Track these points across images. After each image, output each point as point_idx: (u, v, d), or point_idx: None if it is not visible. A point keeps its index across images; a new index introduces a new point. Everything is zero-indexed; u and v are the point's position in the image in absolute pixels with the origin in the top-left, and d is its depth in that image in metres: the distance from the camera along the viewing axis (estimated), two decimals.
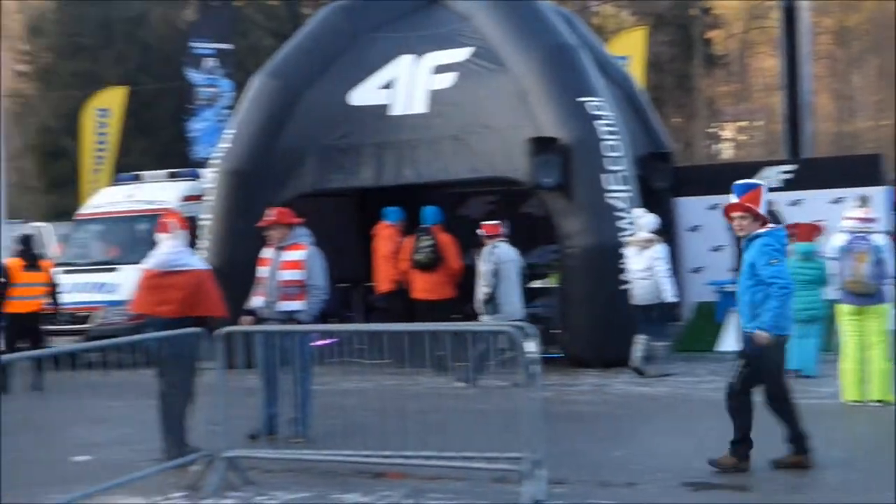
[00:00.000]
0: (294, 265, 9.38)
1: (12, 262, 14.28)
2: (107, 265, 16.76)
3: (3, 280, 14.03)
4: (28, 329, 14.24)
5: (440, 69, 14.23)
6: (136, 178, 18.66)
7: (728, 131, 54.87)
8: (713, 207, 15.51)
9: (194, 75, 27.91)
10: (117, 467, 7.77)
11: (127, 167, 24.21)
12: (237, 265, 13.61)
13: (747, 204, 7.38)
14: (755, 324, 7.30)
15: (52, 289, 14.77)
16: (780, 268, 7.36)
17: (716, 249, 15.88)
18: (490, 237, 12.83)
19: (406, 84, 14.34)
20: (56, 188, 39.73)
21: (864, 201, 12.07)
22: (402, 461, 7.73)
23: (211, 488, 7.56)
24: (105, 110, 25.54)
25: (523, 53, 13.68)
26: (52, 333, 15.35)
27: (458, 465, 7.37)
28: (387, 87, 14.45)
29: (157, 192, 17.83)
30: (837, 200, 15.55)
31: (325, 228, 12.33)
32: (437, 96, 14.16)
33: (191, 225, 15.37)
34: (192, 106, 28.03)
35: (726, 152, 52.55)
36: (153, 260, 8.93)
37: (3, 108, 20.81)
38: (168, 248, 8.90)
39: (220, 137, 18.15)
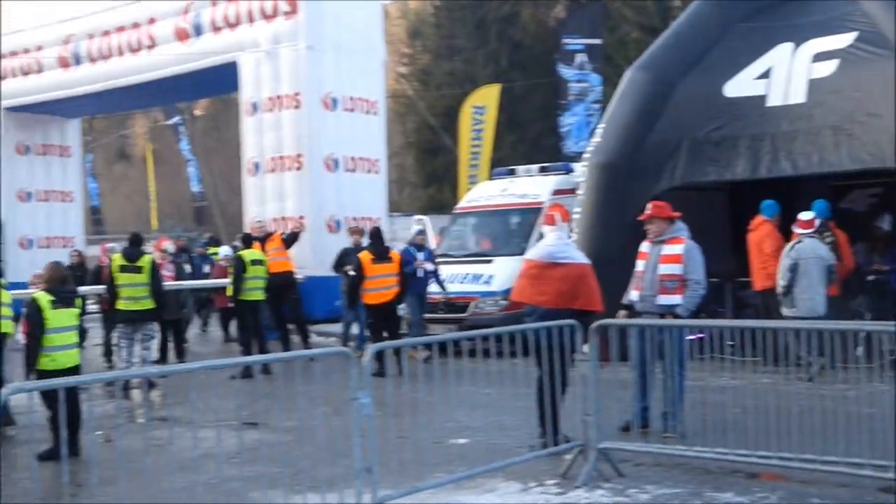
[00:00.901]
0: (673, 259, 9.17)
1: (363, 255, 14.81)
2: (482, 257, 17.24)
3: (356, 273, 14.76)
4: (386, 318, 14.99)
5: (820, 57, 13.43)
6: (511, 173, 19.08)
7: None
8: None
9: (565, 71, 28.22)
10: (494, 452, 7.95)
11: (499, 162, 24.93)
12: (606, 258, 13.40)
13: None
14: None
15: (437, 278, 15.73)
16: None
17: None
18: (803, 232, 12.35)
19: (784, 73, 13.68)
20: (433, 183, 41.71)
21: None
22: (780, 462, 7.39)
23: (583, 478, 7.57)
24: (481, 108, 26.38)
25: None
26: (432, 321, 16.06)
27: (842, 470, 6.96)
28: (764, 77, 13.88)
29: (530, 186, 18.13)
30: None
31: (695, 222, 12.04)
32: (817, 85, 13.35)
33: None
34: (563, 101, 28.35)
35: None
36: (537, 251, 9.07)
37: (387, 108, 21.92)
38: (552, 241, 8.97)
39: (591, 131, 18.21)
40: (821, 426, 7.61)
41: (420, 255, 15.65)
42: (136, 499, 5.75)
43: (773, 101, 13.71)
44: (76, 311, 9.97)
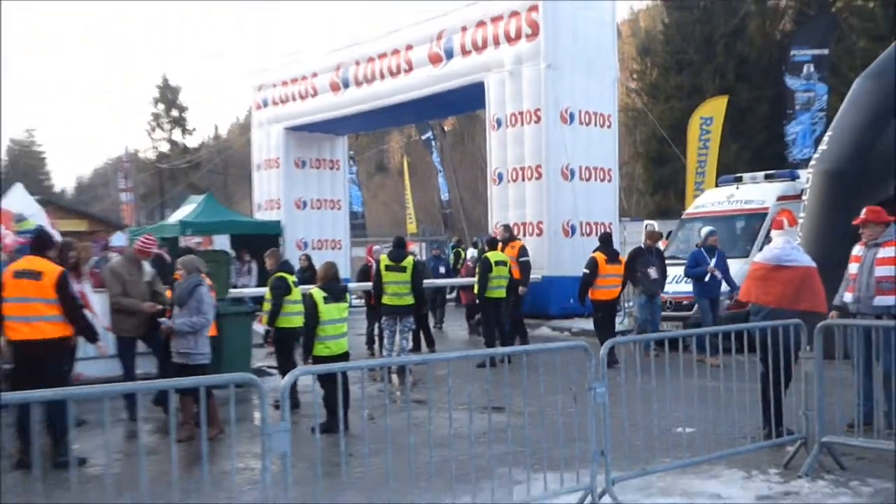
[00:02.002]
0: (888, 261, 8.74)
1: (599, 256, 14.70)
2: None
3: (588, 272, 14.63)
4: (610, 314, 15.02)
5: None
6: (738, 181, 18.61)
7: None
8: None
9: (791, 81, 27.23)
10: (718, 441, 7.83)
11: (724, 169, 24.34)
12: (830, 263, 12.83)
13: None
14: None
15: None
16: None
17: None
18: None
19: None
20: (660, 190, 41.25)
21: None
22: None
23: (805, 469, 7.39)
24: (708, 118, 25.82)
25: None
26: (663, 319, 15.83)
27: None
28: None
29: (755, 192, 17.63)
30: None
31: None
32: None
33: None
34: (789, 111, 27.36)
35: None
36: (764, 254, 8.91)
37: (618, 121, 21.75)
38: (779, 244, 8.78)
39: (816, 139, 17.49)
40: None
41: (710, 260, 14.70)
42: (400, 470, 6.00)
43: None
44: (345, 305, 10.44)
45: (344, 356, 10.22)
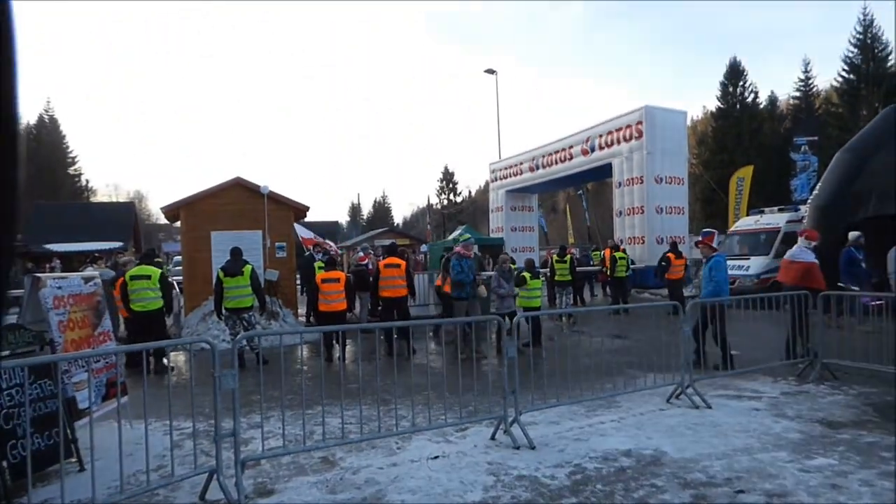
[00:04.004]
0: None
1: (671, 254, 12.98)
2: (743, 256, 15.37)
3: (664, 263, 12.96)
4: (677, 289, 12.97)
5: None
6: (761, 212, 16.84)
7: None
8: None
9: (795, 156, 24.33)
10: (755, 360, 7.07)
11: (753, 206, 22.03)
12: (822, 258, 11.33)
13: None
14: None
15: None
16: None
17: None
18: None
19: None
20: (709, 219, 38.10)
21: None
22: None
23: (812, 378, 6.56)
24: (741, 178, 23.35)
25: None
26: None
27: None
28: None
29: (772, 218, 15.88)
30: None
31: (879, 234, 9.91)
32: None
33: (794, 237, 13.55)
34: (793, 173, 24.52)
35: None
36: (788, 253, 8.01)
37: (688, 181, 19.93)
38: (795, 248, 7.86)
39: (810, 188, 15.45)
40: None
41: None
42: (572, 368, 5.78)
43: None
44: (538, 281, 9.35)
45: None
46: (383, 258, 9.36)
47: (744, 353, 7.39)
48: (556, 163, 23.43)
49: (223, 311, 8.20)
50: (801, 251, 7.76)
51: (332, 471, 4.14)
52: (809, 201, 13.16)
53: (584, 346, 7.35)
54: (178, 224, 12.24)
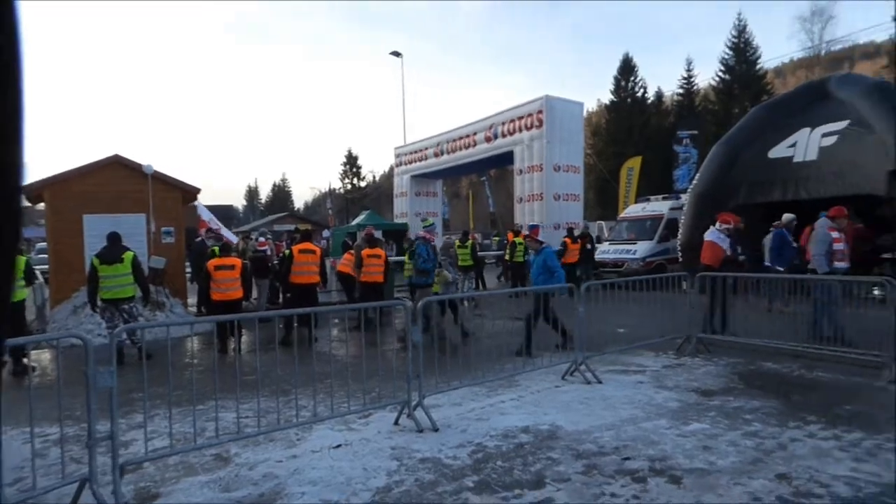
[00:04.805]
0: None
1: (567, 240, 13.87)
2: (631, 241, 16.50)
3: (561, 248, 13.69)
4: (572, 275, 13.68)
5: (827, 134, 11.69)
6: (647, 200, 18.14)
7: None
8: None
9: (677, 148, 26.45)
10: (640, 337, 7.63)
11: (640, 193, 23.66)
12: (698, 242, 12.46)
13: None
14: None
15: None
16: None
17: None
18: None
19: (804, 144, 12.06)
20: (602, 206, 40.43)
21: None
22: (797, 347, 6.59)
23: (688, 352, 7.19)
24: (631, 168, 25.09)
25: (886, 121, 10.57)
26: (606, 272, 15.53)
27: (836, 353, 6.15)
28: (792, 146, 12.28)
29: (657, 206, 17.18)
30: None
31: (751, 221, 11.14)
32: (824, 150, 11.60)
33: (676, 223, 14.80)
34: (675, 164, 26.60)
35: None
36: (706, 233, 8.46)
37: (583, 170, 21.03)
38: (712, 229, 8.37)
39: (690, 178, 16.87)
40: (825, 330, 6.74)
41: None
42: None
43: (797, 158, 12.15)
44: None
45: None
46: (295, 244, 9.12)
47: (631, 331, 7.96)
48: (461, 149, 23.73)
49: (98, 302, 7.50)
50: (712, 232, 8.28)
51: (227, 468, 3.97)
52: (689, 190, 14.36)
53: (485, 329, 7.57)
54: (41, 206, 10.94)
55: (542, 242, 7.65)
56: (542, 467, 3.80)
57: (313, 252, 8.66)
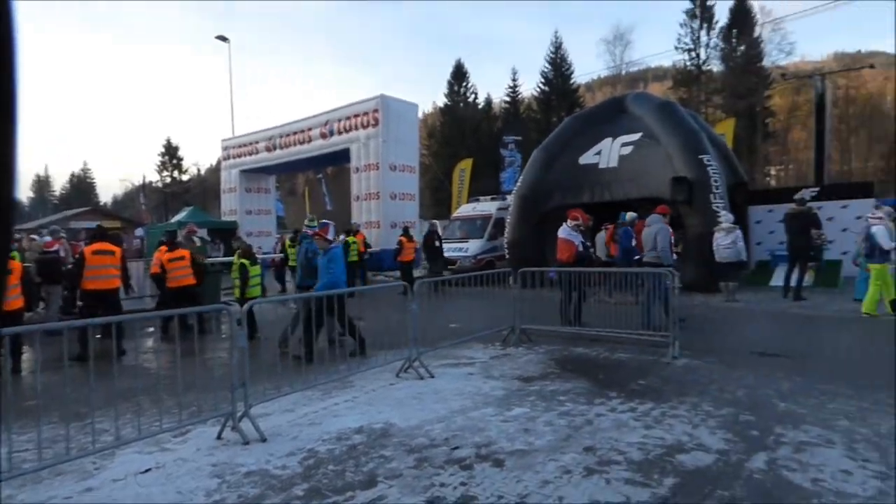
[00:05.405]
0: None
1: (403, 238, 14.04)
2: (463, 240, 17.29)
3: (398, 247, 13.93)
4: (410, 268, 13.93)
5: (625, 144, 13.47)
6: (477, 200, 19.16)
7: (774, 170, 48.90)
8: (770, 211, 14.00)
9: (504, 152, 28.46)
10: (471, 331, 8.01)
11: (472, 194, 24.96)
12: (522, 239, 13.59)
13: None
14: None
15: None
16: None
17: (770, 232, 14.13)
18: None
19: (607, 152, 13.74)
20: (437, 205, 41.90)
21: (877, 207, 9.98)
22: (606, 333, 7.44)
23: (512, 342, 7.69)
24: (463, 170, 26.31)
25: (669, 135, 12.60)
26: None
27: (633, 337, 7.05)
28: (598, 153, 13.90)
29: (486, 206, 18.26)
30: (845, 206, 13.49)
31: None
32: (623, 158, 13.39)
33: (503, 222, 15.87)
34: (502, 167, 28.59)
35: (773, 181, 46.61)
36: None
37: (419, 170, 21.56)
38: (563, 225, 8.68)
39: (515, 181, 18.22)
40: (625, 317, 7.70)
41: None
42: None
43: (602, 165, 13.76)
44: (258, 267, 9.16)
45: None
46: (88, 243, 7.94)
47: (463, 326, 8.34)
48: (295, 144, 22.90)
49: None
50: (564, 229, 8.77)
51: None
52: (514, 192, 15.52)
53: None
54: None
55: (331, 241, 6.92)
56: (375, 466, 3.80)
57: (111, 253, 7.64)
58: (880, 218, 8.85)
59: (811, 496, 3.19)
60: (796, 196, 11.61)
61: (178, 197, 53.97)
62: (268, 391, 4.99)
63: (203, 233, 21.81)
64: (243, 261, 8.39)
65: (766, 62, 40.93)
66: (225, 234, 18.69)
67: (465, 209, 19.41)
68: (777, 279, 12.51)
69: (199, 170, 65.58)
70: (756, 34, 40.38)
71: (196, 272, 8.85)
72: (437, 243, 14.97)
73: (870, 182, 16.44)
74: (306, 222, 9.02)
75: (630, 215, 11.00)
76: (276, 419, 4.84)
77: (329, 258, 6.82)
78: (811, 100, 21.19)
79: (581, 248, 8.63)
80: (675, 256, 8.58)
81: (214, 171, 54.54)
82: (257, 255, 9.43)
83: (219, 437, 4.41)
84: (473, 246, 16.57)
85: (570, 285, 7.94)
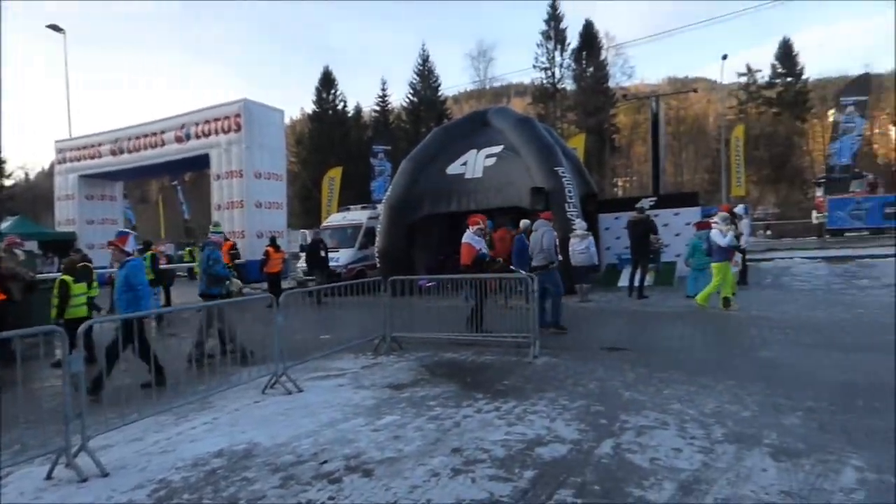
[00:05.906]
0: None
1: (270, 248, 13.94)
2: (334, 249, 16.97)
3: (265, 258, 13.90)
4: (277, 280, 13.91)
5: (489, 155, 14.12)
6: (348, 209, 18.97)
7: (620, 181, 54.20)
8: (616, 218, 15.39)
9: (374, 161, 28.45)
10: (342, 341, 7.88)
11: (343, 203, 24.66)
12: (393, 247, 13.66)
13: None
14: None
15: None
16: None
17: (617, 238, 15.56)
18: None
19: (472, 163, 14.29)
20: (306, 214, 40.87)
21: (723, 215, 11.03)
22: (474, 337, 7.69)
23: (384, 351, 7.68)
24: (333, 178, 25.90)
25: (527, 148, 13.45)
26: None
27: (499, 339, 7.37)
28: (464, 164, 14.42)
29: (357, 215, 18.12)
30: (677, 213, 15.24)
31: (438, 228, 12.60)
32: (487, 169, 14.00)
33: (374, 231, 15.83)
34: (373, 176, 28.64)
35: (619, 191, 51.63)
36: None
37: (286, 178, 20.91)
38: (467, 231, 8.82)
39: (385, 189, 18.32)
40: (497, 321, 8.03)
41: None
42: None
43: (468, 175, 14.30)
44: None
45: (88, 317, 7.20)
46: None
47: (333, 336, 8.17)
48: (146, 148, 21.01)
49: None
50: (468, 235, 8.91)
51: None
52: (384, 201, 15.57)
53: (173, 350, 6.82)
54: None
55: (128, 253, 6.24)
56: (236, 490, 3.59)
57: None
58: (716, 223, 10.13)
59: (648, 474, 3.56)
60: (637, 205, 12.95)
61: (2, 204, 46.95)
62: (111, 420, 4.50)
63: (33, 245, 19.26)
64: (65, 277, 7.30)
65: (612, 83, 45.35)
66: (61, 246, 16.57)
67: (335, 218, 19.10)
68: (623, 280, 13.78)
69: (27, 174, 57.75)
70: (602, 57, 44.57)
71: (5, 288, 7.71)
72: (322, 253, 14.59)
73: (696, 192, 18.81)
74: (211, 228, 8.64)
75: (524, 223, 11.33)
76: (120, 450, 4.38)
77: (128, 273, 6.07)
78: (649, 118, 23.77)
79: (482, 252, 8.91)
80: (559, 258, 9.15)
81: (47, 175, 48.24)
82: (94, 271, 8.49)
83: (49, 477, 3.89)
84: (345, 255, 16.35)
85: (476, 291, 8.06)
